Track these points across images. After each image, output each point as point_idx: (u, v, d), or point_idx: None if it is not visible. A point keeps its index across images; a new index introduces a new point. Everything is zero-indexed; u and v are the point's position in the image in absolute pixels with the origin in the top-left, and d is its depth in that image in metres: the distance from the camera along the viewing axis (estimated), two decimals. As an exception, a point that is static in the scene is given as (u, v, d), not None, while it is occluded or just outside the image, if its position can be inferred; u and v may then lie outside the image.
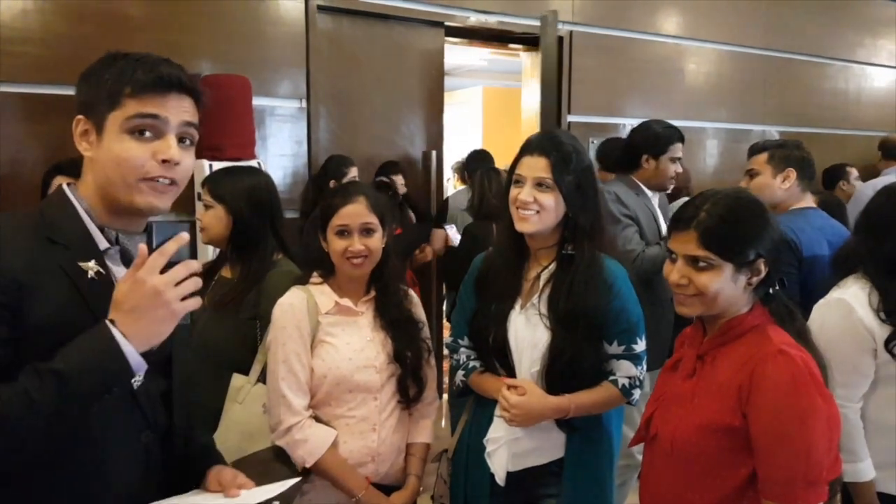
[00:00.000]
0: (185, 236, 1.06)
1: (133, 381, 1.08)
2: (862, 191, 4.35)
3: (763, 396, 1.32)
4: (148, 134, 1.11)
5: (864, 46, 5.71)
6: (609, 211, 2.73)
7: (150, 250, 1.05)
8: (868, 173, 5.02)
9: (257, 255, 2.03)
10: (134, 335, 1.01)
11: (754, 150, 2.62)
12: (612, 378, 1.77)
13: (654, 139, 2.88)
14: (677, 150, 2.90)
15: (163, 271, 1.03)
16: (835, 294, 1.85)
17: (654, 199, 2.95)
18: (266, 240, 2.06)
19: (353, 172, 3.52)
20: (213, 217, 2.05)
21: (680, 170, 2.96)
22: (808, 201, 2.55)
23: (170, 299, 1.02)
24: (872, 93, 5.80)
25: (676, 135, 2.91)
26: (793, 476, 1.30)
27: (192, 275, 1.06)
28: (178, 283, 1.04)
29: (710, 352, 1.46)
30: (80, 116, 1.13)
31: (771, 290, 1.46)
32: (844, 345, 1.77)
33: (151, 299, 1.01)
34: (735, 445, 1.36)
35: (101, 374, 1.00)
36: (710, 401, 1.40)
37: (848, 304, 1.80)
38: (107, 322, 1.01)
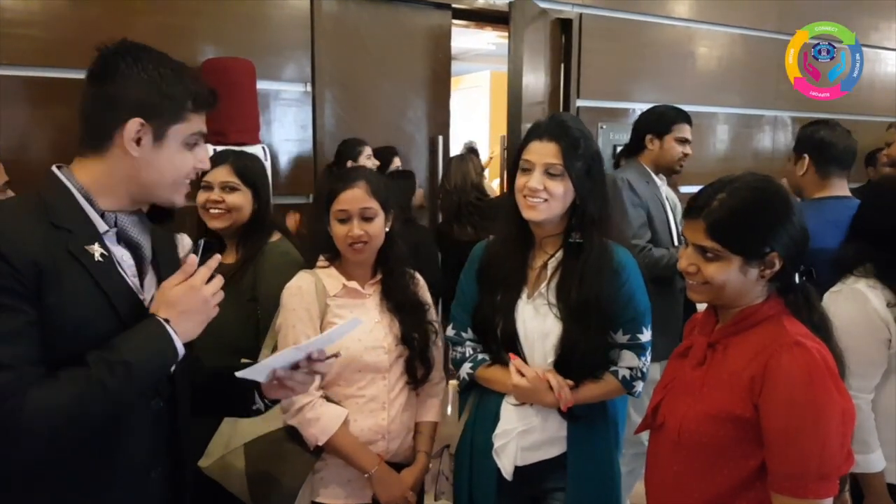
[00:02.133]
0: (219, 256, 1.26)
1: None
2: None
3: (777, 389, 1.29)
4: (196, 146, 1.27)
5: (878, 30, 5.61)
6: (620, 199, 2.71)
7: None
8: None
9: (262, 237, 2.09)
10: (182, 332, 1.18)
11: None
12: (612, 369, 1.74)
13: (657, 118, 2.88)
14: (682, 130, 2.87)
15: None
16: (846, 284, 1.82)
17: (663, 186, 2.93)
18: (268, 222, 2.13)
19: (367, 152, 3.53)
20: (242, 199, 2.07)
21: (689, 151, 2.91)
22: (833, 189, 2.36)
23: (210, 307, 1.23)
24: (886, 77, 5.71)
25: (681, 115, 2.89)
26: (805, 471, 1.27)
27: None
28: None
29: (721, 340, 1.43)
30: (139, 119, 1.18)
31: (797, 281, 1.41)
32: (860, 334, 1.74)
33: (201, 305, 1.21)
34: (744, 436, 1.33)
35: (160, 365, 1.18)
36: (719, 390, 1.38)
37: (863, 293, 1.78)
38: (161, 320, 1.16)
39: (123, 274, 1.21)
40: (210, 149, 3.11)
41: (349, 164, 3.38)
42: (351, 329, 1.46)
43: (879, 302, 1.76)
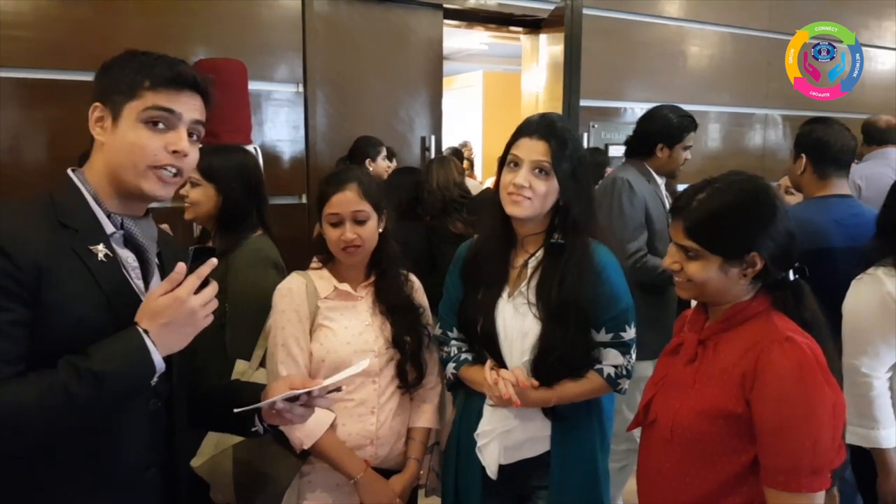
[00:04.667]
0: (214, 261, 1.19)
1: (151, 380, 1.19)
2: None
3: (769, 384, 1.30)
4: (161, 126, 1.20)
5: (868, 28, 5.65)
6: (618, 200, 2.72)
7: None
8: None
9: (241, 232, 2.08)
10: (163, 345, 1.14)
11: None
12: (597, 367, 1.74)
13: (670, 129, 2.84)
14: (691, 138, 2.88)
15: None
16: (867, 273, 1.89)
17: (662, 184, 2.95)
18: (250, 218, 2.11)
19: (384, 153, 3.58)
20: (201, 195, 2.07)
21: (690, 157, 2.93)
22: (834, 188, 2.33)
23: (199, 318, 1.17)
24: (876, 75, 5.74)
25: (692, 124, 2.88)
26: (798, 465, 1.27)
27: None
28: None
29: (712, 337, 1.44)
30: (96, 103, 1.21)
31: (790, 278, 1.41)
32: (874, 316, 1.82)
33: (186, 317, 1.15)
34: (736, 432, 1.34)
35: (132, 378, 1.13)
36: (711, 387, 1.38)
37: (880, 278, 1.85)
38: (140, 331, 1.12)
39: (128, 276, 1.21)
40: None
41: (367, 162, 3.41)
42: (360, 369, 1.43)
43: (894, 286, 1.83)
